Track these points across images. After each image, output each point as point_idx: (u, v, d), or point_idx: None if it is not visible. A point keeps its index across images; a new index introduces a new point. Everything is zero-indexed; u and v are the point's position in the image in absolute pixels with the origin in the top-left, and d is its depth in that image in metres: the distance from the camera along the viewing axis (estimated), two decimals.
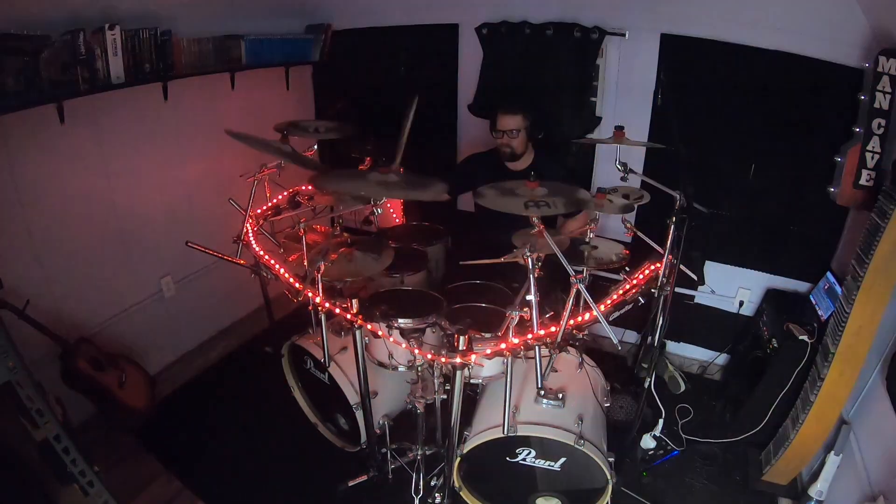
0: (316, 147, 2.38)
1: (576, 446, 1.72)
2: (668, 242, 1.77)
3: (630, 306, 1.84)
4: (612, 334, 1.52)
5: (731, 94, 2.43)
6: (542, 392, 1.81)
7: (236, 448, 2.39)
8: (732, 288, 2.73)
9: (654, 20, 2.46)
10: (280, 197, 2.31)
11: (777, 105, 2.37)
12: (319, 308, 1.75)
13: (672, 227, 1.74)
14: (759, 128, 2.43)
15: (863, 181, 2.04)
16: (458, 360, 1.60)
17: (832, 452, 1.91)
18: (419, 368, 1.88)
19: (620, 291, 1.80)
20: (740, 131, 2.47)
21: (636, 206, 1.93)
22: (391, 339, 1.77)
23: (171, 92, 2.46)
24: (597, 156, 2.85)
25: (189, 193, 2.78)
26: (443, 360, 1.65)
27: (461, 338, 1.59)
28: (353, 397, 2.05)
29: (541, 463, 1.86)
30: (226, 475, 2.26)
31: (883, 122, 1.96)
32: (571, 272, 1.53)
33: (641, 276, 1.86)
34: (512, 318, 1.55)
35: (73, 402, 2.13)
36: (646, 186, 1.98)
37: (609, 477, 1.79)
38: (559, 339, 1.61)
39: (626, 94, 2.65)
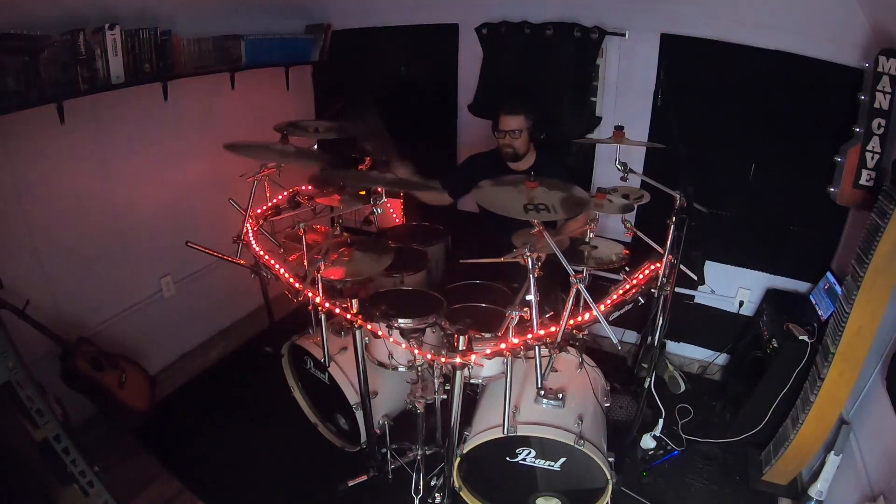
0: (316, 147, 2.38)
1: (576, 446, 1.72)
2: (668, 242, 1.77)
3: (630, 306, 1.84)
4: (612, 334, 1.52)
5: (731, 94, 2.43)
6: (542, 392, 1.81)
7: (236, 448, 2.38)
8: (732, 288, 2.73)
9: (654, 20, 2.46)
10: (280, 197, 2.32)
11: (777, 105, 2.37)
12: (319, 308, 1.75)
13: (672, 227, 1.74)
14: (759, 128, 2.43)
15: (863, 181, 2.04)
16: (458, 360, 1.60)
17: (832, 452, 1.91)
18: (419, 368, 1.88)
19: (620, 291, 1.80)
20: (740, 131, 2.47)
21: (636, 206, 1.93)
22: (391, 339, 1.78)
23: (171, 92, 2.46)
24: (597, 156, 2.85)
25: (189, 193, 2.78)
26: (443, 360, 1.66)
27: (461, 338, 1.60)
28: (353, 397, 2.05)
29: (541, 463, 1.86)
30: (226, 475, 2.26)
31: (883, 121, 1.96)
32: (571, 272, 1.53)
33: (641, 276, 1.86)
34: (512, 318, 1.55)
35: (73, 402, 2.14)
36: (646, 186, 1.99)
37: (609, 477, 1.79)
38: (559, 339, 1.61)
39: (626, 94, 2.65)
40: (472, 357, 1.60)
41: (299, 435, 2.41)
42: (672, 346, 2.97)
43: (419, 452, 2.08)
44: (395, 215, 2.90)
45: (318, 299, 1.74)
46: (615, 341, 1.53)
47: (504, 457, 1.88)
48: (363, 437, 2.12)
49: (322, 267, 1.69)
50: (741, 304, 2.72)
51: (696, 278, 1.88)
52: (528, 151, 2.44)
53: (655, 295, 1.86)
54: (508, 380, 1.63)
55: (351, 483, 2.16)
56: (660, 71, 2.50)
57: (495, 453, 1.87)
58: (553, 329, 1.60)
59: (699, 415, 2.60)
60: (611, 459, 1.82)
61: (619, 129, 1.97)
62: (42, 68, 1.86)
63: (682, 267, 1.73)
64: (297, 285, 1.89)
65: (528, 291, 1.52)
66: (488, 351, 1.62)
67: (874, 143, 1.99)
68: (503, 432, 1.68)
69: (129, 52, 2.13)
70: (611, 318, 1.73)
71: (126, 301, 2.59)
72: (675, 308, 1.85)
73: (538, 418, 1.82)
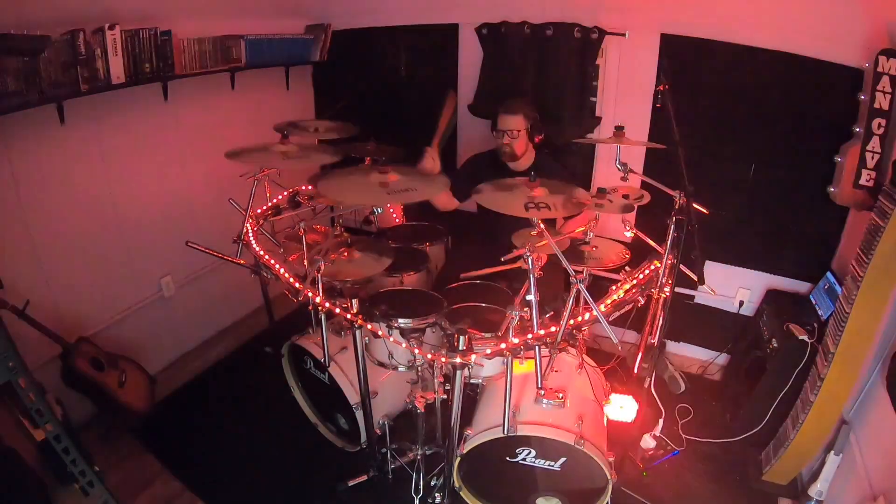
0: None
1: (576, 446, 1.72)
2: (668, 242, 1.77)
3: (630, 306, 1.84)
4: (612, 334, 1.52)
5: (731, 94, 2.43)
6: (543, 392, 1.81)
7: (236, 448, 2.38)
8: (732, 288, 2.73)
9: (654, 20, 2.46)
10: (280, 197, 2.31)
11: (777, 105, 2.37)
12: (319, 308, 1.76)
13: (672, 227, 1.74)
14: (759, 128, 2.43)
15: (863, 181, 2.04)
16: (458, 359, 1.60)
17: (832, 452, 1.91)
18: (419, 368, 1.88)
19: (620, 291, 1.80)
20: (740, 131, 2.47)
21: (636, 206, 1.93)
22: (391, 339, 1.78)
23: (171, 92, 2.46)
24: (597, 156, 2.85)
25: (189, 193, 2.78)
26: (443, 359, 1.65)
27: (461, 338, 1.60)
28: (353, 397, 2.05)
29: (541, 463, 1.86)
30: (226, 475, 2.26)
31: (883, 121, 1.96)
32: (571, 272, 1.53)
33: (641, 276, 1.86)
34: (512, 317, 1.55)
35: (73, 402, 2.14)
36: (646, 186, 1.99)
37: (609, 477, 1.79)
38: (559, 339, 1.61)
39: (626, 94, 2.65)
40: (472, 357, 1.60)
41: (299, 435, 2.41)
42: (672, 346, 2.97)
43: (419, 452, 2.08)
44: (395, 215, 2.90)
45: (318, 299, 1.74)
46: (615, 341, 1.53)
47: (504, 457, 1.88)
48: (363, 437, 2.12)
49: (322, 267, 1.68)
50: (741, 304, 2.73)
51: (696, 278, 1.88)
52: (527, 151, 2.44)
53: (655, 295, 1.86)
54: (508, 380, 1.63)
55: (351, 483, 2.16)
56: (660, 71, 2.50)
57: (495, 453, 1.87)
58: (553, 329, 1.60)
59: (699, 415, 2.60)
60: (611, 459, 1.82)
61: (619, 129, 1.97)
62: (42, 68, 1.86)
63: (682, 267, 1.73)
64: (297, 285, 1.89)
65: (528, 291, 1.52)
66: (488, 351, 1.62)
67: (874, 143, 1.99)
68: (503, 432, 1.68)
69: (129, 52, 2.13)
70: (611, 318, 1.73)
71: (126, 301, 2.59)
72: (675, 308, 1.85)
73: (538, 418, 1.82)
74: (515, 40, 2.71)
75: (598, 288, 1.76)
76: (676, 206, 1.79)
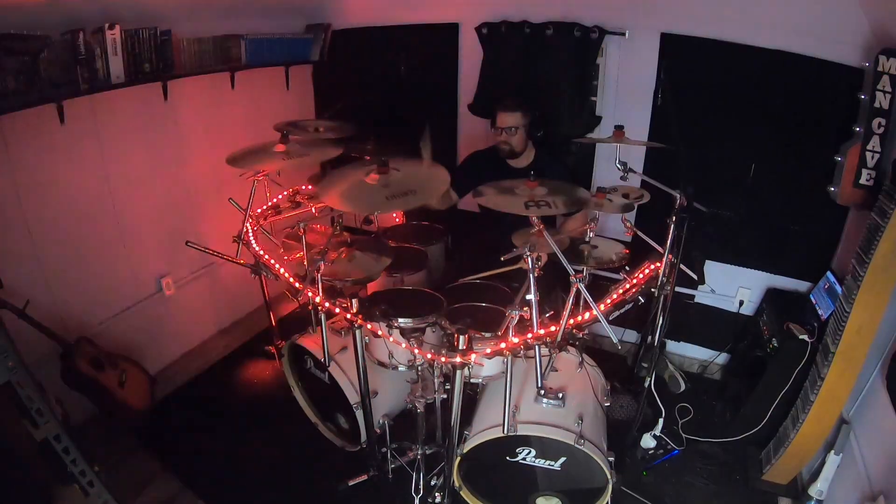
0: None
1: (576, 446, 1.72)
2: (668, 242, 1.77)
3: (630, 306, 1.84)
4: (612, 334, 1.52)
5: (731, 94, 2.43)
6: (542, 392, 1.81)
7: (237, 448, 2.38)
8: (733, 287, 2.73)
9: (654, 20, 2.46)
10: (280, 197, 2.32)
11: (777, 105, 2.37)
12: (319, 308, 1.76)
13: (672, 226, 1.74)
14: (759, 128, 2.43)
15: (863, 181, 2.04)
16: (458, 359, 1.60)
17: (832, 452, 1.91)
18: (419, 368, 1.88)
19: (620, 291, 1.80)
20: (740, 131, 2.47)
21: (636, 206, 1.93)
22: (391, 339, 1.78)
23: (171, 92, 2.46)
24: (597, 155, 2.85)
25: (189, 193, 2.78)
26: (443, 359, 1.66)
27: (461, 337, 1.60)
28: (353, 397, 2.05)
29: (541, 462, 1.86)
30: (226, 475, 2.26)
31: (883, 121, 1.96)
32: (571, 272, 1.53)
33: (641, 276, 1.86)
34: (512, 317, 1.55)
35: (73, 402, 2.14)
36: (646, 186, 1.98)
37: (609, 476, 1.79)
38: (559, 339, 1.61)
39: (626, 93, 2.65)
40: (472, 356, 1.60)
41: (299, 435, 2.41)
42: (672, 346, 2.97)
43: (419, 452, 2.08)
44: (395, 215, 2.90)
45: (318, 299, 1.74)
46: (615, 341, 1.53)
47: (504, 456, 1.88)
48: (363, 437, 2.12)
49: (322, 267, 1.69)
50: (741, 303, 2.72)
51: (696, 278, 1.88)
52: (526, 149, 2.44)
53: (655, 295, 1.86)
54: (508, 379, 1.63)
55: (351, 482, 2.16)
56: (660, 71, 2.50)
57: (495, 453, 1.87)
58: (553, 328, 1.60)
59: (699, 414, 2.60)
60: (611, 459, 1.82)
61: (619, 128, 1.97)
62: (42, 68, 1.86)
63: (682, 266, 1.73)
64: (297, 285, 1.89)
65: (528, 291, 1.52)
66: (488, 350, 1.62)
67: (874, 143, 1.98)
68: (503, 432, 1.68)
69: (129, 51, 2.13)
70: (611, 318, 1.73)
71: (126, 301, 2.59)
72: (675, 308, 1.85)
73: (538, 418, 1.82)
74: (515, 40, 2.71)
75: (599, 287, 1.76)
76: (676, 206, 1.79)
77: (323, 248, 1.78)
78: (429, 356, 1.71)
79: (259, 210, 2.22)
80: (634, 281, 1.84)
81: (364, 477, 2.17)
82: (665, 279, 1.83)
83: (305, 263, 1.80)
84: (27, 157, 2.06)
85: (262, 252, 2.06)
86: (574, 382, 2.02)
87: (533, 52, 2.70)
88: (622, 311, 1.83)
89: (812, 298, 2.42)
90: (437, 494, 2.04)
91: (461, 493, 2.01)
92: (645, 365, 2.15)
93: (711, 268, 2.66)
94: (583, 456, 1.76)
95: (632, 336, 2.84)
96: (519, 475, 1.91)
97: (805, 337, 2.14)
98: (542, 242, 1.60)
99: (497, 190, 1.72)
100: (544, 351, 1.63)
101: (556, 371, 2.04)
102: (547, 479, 1.90)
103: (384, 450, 2.16)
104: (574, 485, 1.89)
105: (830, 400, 1.93)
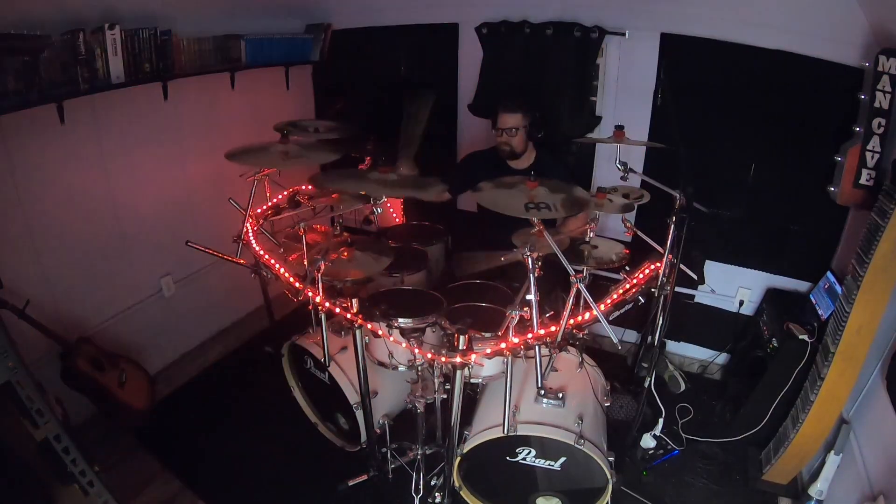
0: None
1: (576, 446, 1.72)
2: (668, 242, 1.77)
3: (630, 306, 1.84)
4: (612, 334, 1.52)
5: (731, 94, 2.43)
6: (543, 392, 1.81)
7: (236, 448, 2.38)
8: (732, 287, 2.73)
9: (654, 19, 2.46)
10: (280, 197, 2.31)
11: (777, 105, 2.37)
12: (319, 308, 1.76)
13: (672, 226, 1.74)
14: (759, 128, 2.43)
15: (863, 181, 2.04)
16: (458, 359, 1.60)
17: (832, 452, 1.91)
18: (419, 368, 1.88)
19: (620, 291, 1.80)
20: (740, 131, 2.47)
21: (636, 206, 1.93)
22: (391, 339, 1.78)
23: (171, 92, 2.46)
24: (597, 155, 2.85)
25: (189, 193, 2.78)
26: (443, 359, 1.66)
27: (461, 337, 1.60)
28: (353, 397, 2.05)
29: (541, 462, 1.86)
30: (226, 475, 2.26)
31: (883, 121, 1.96)
32: (571, 272, 1.53)
33: (641, 276, 1.86)
34: (512, 317, 1.55)
35: (73, 402, 2.13)
36: (646, 186, 1.99)
37: (609, 476, 1.79)
38: (559, 339, 1.61)
39: (626, 93, 2.65)
40: (472, 357, 1.60)
41: (299, 435, 2.41)
42: (672, 346, 2.97)
43: (419, 452, 2.08)
44: (395, 215, 2.90)
45: (318, 299, 1.74)
46: (615, 341, 1.53)
47: (504, 456, 1.88)
48: (363, 437, 2.12)
49: (322, 267, 1.69)
50: (741, 303, 2.72)
51: (696, 278, 1.88)
52: (526, 150, 2.44)
53: (655, 295, 1.86)
54: (508, 379, 1.63)
55: (351, 483, 2.16)
56: (660, 71, 2.50)
57: (495, 453, 1.87)
58: (553, 329, 1.60)
59: (699, 414, 2.60)
60: (611, 459, 1.82)
61: (619, 128, 1.97)
62: (42, 68, 1.86)
63: (682, 267, 1.73)
64: (297, 285, 1.89)
65: (528, 291, 1.52)
66: (488, 350, 1.62)
67: (874, 143, 1.99)
68: (503, 432, 1.69)
69: (129, 52, 2.13)
70: (611, 318, 1.73)
71: (126, 301, 2.59)
72: (675, 308, 1.85)
73: (538, 418, 1.82)
74: (515, 40, 2.71)
75: (598, 288, 1.76)
76: (676, 206, 1.79)
77: (323, 248, 1.78)
78: (429, 356, 1.71)
79: (259, 210, 2.22)
80: (634, 281, 1.84)
81: (364, 477, 2.17)
82: (665, 279, 1.83)
83: (305, 263, 1.80)
84: (27, 157, 2.06)
85: (262, 252, 2.06)
86: (574, 382, 2.02)
87: (533, 52, 2.70)
88: (622, 311, 1.83)
89: (812, 298, 2.42)
90: (437, 494, 2.04)
91: (461, 493, 2.01)
92: (645, 365, 2.15)
93: (711, 268, 2.66)
94: (583, 456, 1.76)
95: (632, 336, 2.84)
96: (519, 475, 1.91)
97: (805, 337, 2.14)
98: (542, 242, 1.60)
99: (496, 189, 1.72)
100: (544, 351, 1.63)
101: (556, 371, 2.04)
102: (547, 479, 1.90)
103: (384, 450, 2.16)
104: (574, 485, 1.89)
105: (830, 400, 1.93)
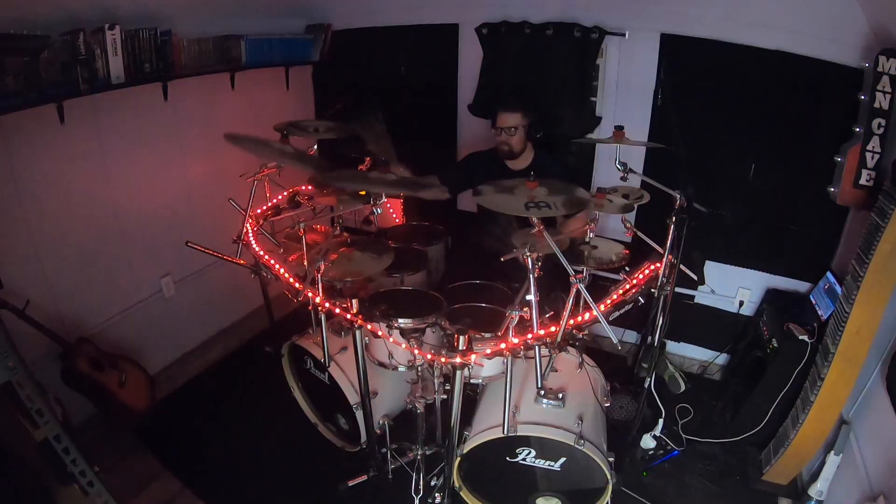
0: (316, 147, 2.38)
1: (576, 446, 1.72)
2: (668, 242, 1.77)
3: (630, 306, 1.84)
4: (612, 334, 1.52)
5: (731, 94, 2.42)
6: (542, 392, 1.81)
7: (236, 448, 2.39)
8: (732, 288, 2.73)
9: (654, 20, 2.46)
10: (280, 197, 2.31)
11: (777, 105, 2.36)
12: (319, 308, 1.75)
13: (672, 227, 1.74)
14: (759, 128, 2.43)
15: (863, 181, 2.04)
16: (458, 360, 1.60)
17: (832, 452, 1.91)
18: (419, 368, 1.88)
19: (620, 291, 1.80)
20: (740, 131, 2.47)
21: (636, 206, 1.92)
22: (391, 339, 1.77)
23: (171, 92, 2.46)
24: (597, 156, 2.85)
25: (189, 193, 2.78)
26: (443, 360, 1.65)
27: (461, 338, 1.59)
28: (353, 397, 2.05)
29: (541, 463, 1.86)
30: (226, 475, 2.26)
31: (883, 121, 1.96)
32: (571, 272, 1.53)
33: (641, 276, 1.86)
34: (512, 317, 1.55)
35: (73, 402, 2.14)
36: (646, 186, 1.98)
37: (609, 477, 1.79)
38: (559, 339, 1.61)
39: (626, 94, 2.65)
40: (472, 357, 1.60)
41: (299, 435, 2.41)
42: (672, 346, 2.97)
43: (419, 452, 2.08)
44: (395, 215, 2.90)
45: (318, 299, 1.74)
46: (615, 341, 1.52)
47: (504, 457, 1.88)
48: (363, 437, 2.12)
49: (322, 267, 1.69)
50: (741, 303, 2.72)
51: (696, 278, 1.88)
52: (525, 150, 2.44)
53: (655, 295, 1.86)
54: (508, 380, 1.63)
55: (351, 483, 2.16)
56: (660, 71, 2.50)
57: (495, 453, 1.87)
58: (553, 329, 1.60)
59: (699, 415, 2.60)
60: (611, 459, 1.82)
61: (619, 129, 1.97)
62: (42, 68, 1.86)
63: (682, 267, 1.73)
64: (297, 285, 1.89)
65: (527, 291, 1.52)
66: (488, 351, 1.62)
67: (874, 143, 1.99)
68: (503, 432, 1.68)
69: (129, 52, 2.13)
70: (611, 318, 1.73)
71: (126, 301, 2.59)
72: (675, 308, 1.85)
73: (538, 418, 1.82)
74: (515, 40, 2.71)
75: (598, 288, 1.76)
76: (676, 206, 1.79)
77: (323, 249, 1.78)
78: (429, 357, 1.71)
79: (259, 210, 2.22)
80: (634, 281, 1.83)
81: (364, 477, 2.17)
82: (665, 279, 1.82)
83: (305, 264, 1.80)
84: (27, 157, 2.06)
85: (262, 252, 2.06)
86: (574, 383, 2.02)
87: (533, 52, 2.70)
88: (622, 311, 1.82)
89: (812, 299, 2.42)
90: (437, 495, 2.04)
91: (461, 493, 2.01)
92: (645, 365, 2.15)
93: (711, 268, 2.66)
94: (582, 456, 1.76)
95: (632, 336, 2.84)
96: (519, 475, 1.91)
97: (805, 337, 2.14)
98: (542, 243, 1.60)
99: (496, 190, 1.72)
100: (544, 351, 1.63)
101: (556, 371, 2.04)
102: (547, 480, 1.90)
103: (384, 450, 2.16)
104: (574, 485, 1.89)
105: (830, 400, 1.93)
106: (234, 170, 2.20)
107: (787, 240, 2.55)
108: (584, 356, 2.12)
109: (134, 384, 2.37)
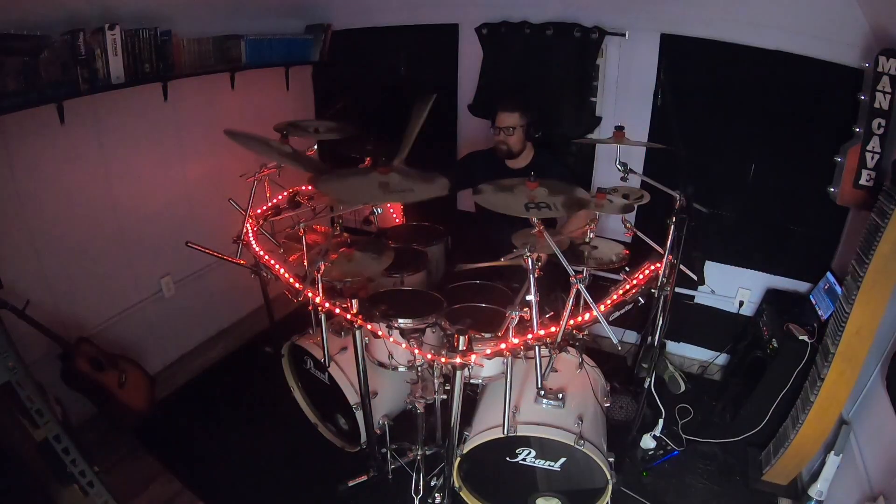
0: (316, 147, 2.38)
1: (576, 446, 1.72)
2: (668, 242, 1.77)
3: (630, 306, 1.84)
4: (612, 334, 1.52)
5: (731, 95, 2.43)
6: (542, 392, 1.81)
7: (237, 448, 2.38)
8: (732, 288, 2.73)
9: (654, 20, 2.46)
10: (280, 197, 2.31)
11: (777, 105, 2.37)
12: (319, 308, 1.75)
13: (672, 227, 1.74)
14: (759, 128, 2.43)
15: (863, 181, 2.04)
16: (458, 360, 1.60)
17: (832, 452, 1.91)
18: (419, 368, 1.88)
19: (620, 291, 1.80)
20: (740, 131, 2.47)
21: (636, 206, 1.92)
22: (391, 340, 1.78)
23: (171, 92, 2.46)
24: (597, 156, 2.85)
25: (189, 193, 2.78)
26: (443, 360, 1.65)
27: (461, 338, 1.59)
28: (353, 397, 2.05)
29: (541, 463, 1.86)
30: (226, 475, 2.26)
31: (883, 121, 1.96)
32: (571, 272, 1.53)
33: (641, 276, 1.86)
34: (512, 318, 1.55)
35: (73, 402, 2.14)
36: (646, 186, 1.98)
37: (609, 477, 1.79)
38: (559, 339, 1.61)
39: (626, 94, 2.65)
40: (472, 357, 1.60)
41: (299, 435, 2.41)
42: (672, 346, 2.97)
43: (419, 452, 2.08)
44: (394, 215, 2.89)
45: (318, 299, 1.74)
46: (615, 341, 1.52)
47: (504, 457, 1.88)
48: (363, 437, 2.12)
49: (322, 267, 1.68)
50: (741, 304, 2.72)
51: (696, 278, 1.88)
52: (524, 150, 2.44)
53: (655, 295, 1.86)
54: (508, 380, 1.63)
55: (351, 483, 2.16)
56: (660, 71, 2.50)
57: (495, 453, 1.87)
58: (553, 329, 1.60)
59: (699, 415, 2.60)
60: (611, 459, 1.82)
61: (619, 129, 1.97)
62: (42, 68, 1.86)
63: (682, 267, 1.73)
64: (297, 285, 1.89)
65: (528, 291, 1.52)
66: (488, 351, 1.62)
67: (874, 143, 1.99)
68: (503, 432, 1.68)
69: (129, 52, 2.13)
70: (611, 319, 1.73)
71: (126, 301, 2.59)
72: (675, 308, 1.85)
73: (538, 418, 1.82)
74: (515, 40, 2.71)
75: (598, 288, 1.76)
76: (676, 206, 1.79)
77: (323, 249, 1.78)
78: (429, 357, 1.71)
79: (259, 210, 2.22)
80: (634, 282, 1.84)
81: (364, 477, 2.17)
82: (665, 280, 1.82)
83: (305, 263, 1.80)
84: (27, 157, 2.06)
85: (262, 252, 2.06)
86: (574, 383, 2.02)
87: (533, 52, 2.70)
88: (622, 311, 1.82)
89: (812, 299, 2.42)
90: (436, 495, 2.04)
91: (461, 493, 2.01)
92: (645, 365, 2.15)
93: (711, 268, 2.66)
94: (582, 456, 1.76)
95: (632, 336, 2.84)
96: (519, 476, 1.91)
97: (805, 337, 2.14)
98: (542, 243, 1.60)
99: (496, 190, 1.72)
100: (544, 352, 1.63)
101: (556, 372, 2.04)
102: (547, 480, 1.90)
103: (384, 450, 2.16)
104: (574, 485, 1.89)
105: (830, 400, 1.93)
106: (234, 170, 2.20)
107: (787, 240, 2.55)
108: (584, 356, 2.12)
109: (134, 384, 2.37)
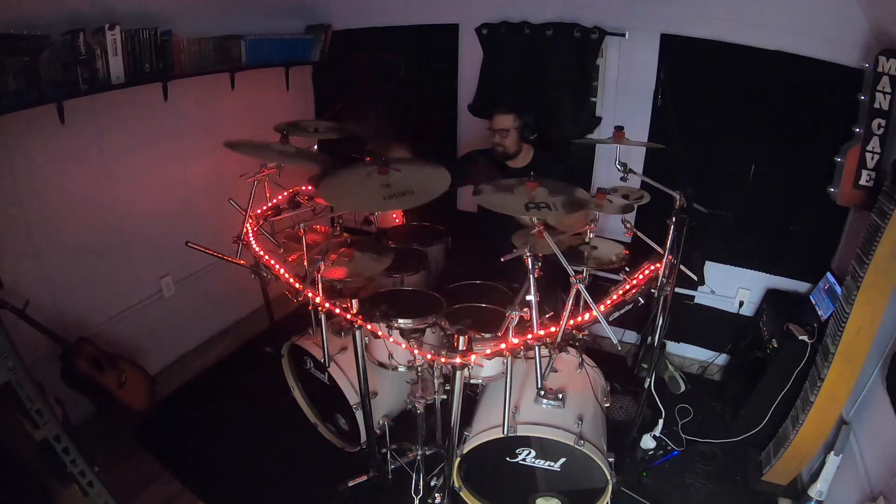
0: (316, 147, 2.38)
1: (576, 446, 1.72)
2: (668, 242, 1.77)
3: (630, 306, 1.84)
4: (612, 334, 1.52)
5: (732, 95, 2.43)
6: (542, 392, 1.81)
7: (236, 448, 2.38)
8: (732, 288, 2.73)
9: (654, 20, 2.46)
10: (280, 197, 2.31)
11: (777, 105, 2.37)
12: (319, 308, 1.75)
13: (672, 227, 1.74)
14: (759, 128, 2.43)
15: (863, 181, 2.04)
16: (458, 360, 1.60)
17: (832, 452, 1.91)
18: (419, 368, 1.88)
19: (620, 291, 1.80)
20: (740, 131, 2.47)
21: (636, 206, 1.93)
22: (391, 340, 1.78)
23: (171, 92, 2.46)
24: (597, 156, 2.85)
25: (189, 193, 2.78)
26: (443, 360, 1.65)
27: (461, 338, 1.59)
28: (353, 397, 2.05)
29: (541, 463, 1.86)
30: (226, 475, 2.26)
31: (883, 122, 1.96)
32: (571, 272, 1.53)
33: (641, 276, 1.86)
34: (512, 318, 1.55)
35: (73, 402, 2.14)
36: (646, 186, 1.98)
37: (609, 477, 1.79)
38: (559, 339, 1.61)
39: (625, 94, 2.65)
40: (472, 357, 1.60)
41: (299, 435, 2.41)
42: (672, 347, 2.97)
43: (419, 452, 2.08)
44: (394, 215, 2.90)
45: (318, 299, 1.74)
46: (615, 341, 1.52)
47: (504, 457, 1.88)
48: (363, 438, 2.12)
49: (322, 267, 1.68)
50: (741, 304, 2.72)
51: (696, 278, 1.88)
52: (520, 150, 2.45)
53: (655, 295, 1.86)
54: (508, 380, 1.63)
55: (351, 483, 2.16)
56: (660, 71, 2.50)
57: (495, 453, 1.87)
58: (553, 329, 1.60)
59: (699, 415, 2.60)
60: (611, 460, 1.82)
61: (618, 129, 1.97)
62: (42, 68, 1.86)
63: (681, 267, 1.73)
64: (297, 285, 1.89)
65: (527, 292, 1.52)
66: (488, 351, 1.62)
67: (874, 144, 1.99)
68: (503, 432, 1.68)
69: (129, 52, 2.13)
70: (611, 319, 1.73)
71: (126, 301, 2.59)
72: (675, 308, 1.85)
73: (538, 418, 1.82)
74: (515, 40, 2.71)
75: (598, 288, 1.76)
76: (676, 206, 1.79)
77: (323, 249, 1.78)
78: (429, 357, 1.71)
79: (259, 210, 2.22)
80: (634, 282, 1.84)
81: (364, 478, 2.17)
82: (665, 280, 1.83)
83: (305, 263, 1.80)
84: (27, 157, 2.06)
85: (262, 252, 2.06)
86: (574, 383, 2.02)
87: (533, 52, 2.70)
88: (622, 311, 1.82)
89: (812, 299, 2.42)
90: (436, 495, 2.04)
91: (461, 493, 2.01)
92: (645, 366, 2.15)
93: (711, 268, 2.66)
94: (582, 457, 1.76)
95: (632, 337, 2.84)
96: (519, 476, 1.90)
97: (805, 338, 2.14)
98: (542, 243, 1.60)
99: (496, 189, 1.72)
100: (544, 352, 1.63)
101: (556, 372, 2.04)
102: (547, 480, 1.90)
103: (384, 450, 2.16)
104: (574, 485, 1.89)
105: (830, 401, 1.93)
106: (234, 170, 2.20)
107: (787, 240, 2.55)
108: (584, 356, 2.11)
109: (134, 384, 2.37)
